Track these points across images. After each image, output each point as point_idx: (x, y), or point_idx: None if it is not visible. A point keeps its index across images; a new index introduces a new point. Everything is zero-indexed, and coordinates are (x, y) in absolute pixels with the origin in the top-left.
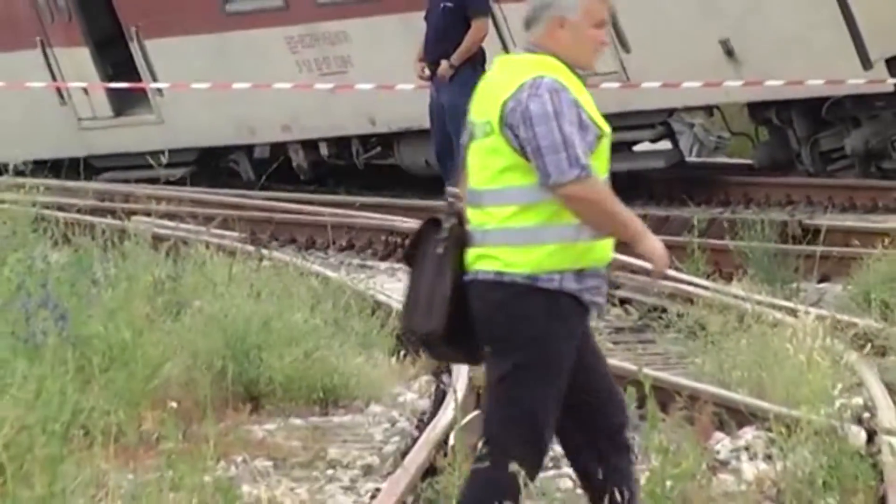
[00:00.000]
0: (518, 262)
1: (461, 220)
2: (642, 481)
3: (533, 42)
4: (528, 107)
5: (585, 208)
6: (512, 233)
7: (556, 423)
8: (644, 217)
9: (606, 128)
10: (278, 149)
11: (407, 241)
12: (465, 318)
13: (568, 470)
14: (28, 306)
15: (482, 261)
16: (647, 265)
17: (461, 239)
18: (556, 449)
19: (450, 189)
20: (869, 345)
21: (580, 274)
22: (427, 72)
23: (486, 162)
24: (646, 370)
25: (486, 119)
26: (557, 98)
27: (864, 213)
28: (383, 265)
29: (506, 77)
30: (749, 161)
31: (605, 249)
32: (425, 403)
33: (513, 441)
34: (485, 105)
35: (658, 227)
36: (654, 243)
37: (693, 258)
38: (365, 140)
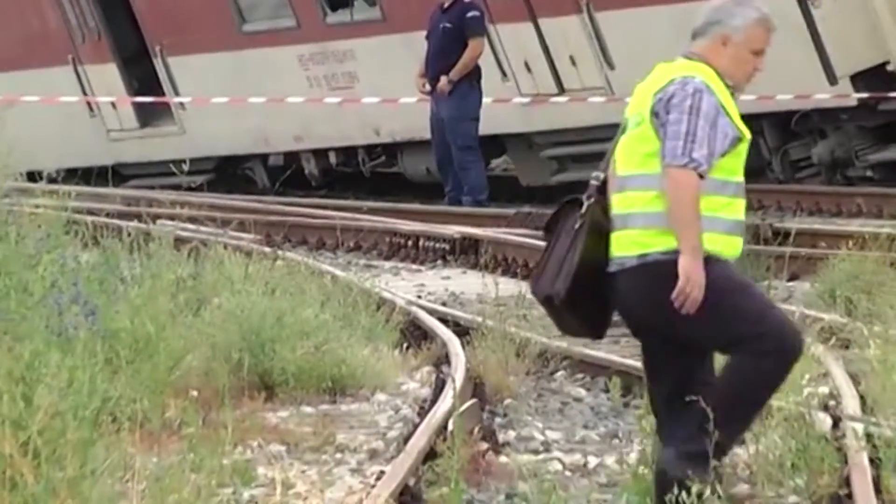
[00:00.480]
0: (658, 242)
1: (599, 202)
2: (631, 462)
3: (695, 51)
4: (673, 95)
5: (672, 195)
6: (652, 216)
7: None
8: None
9: (747, 133)
10: (291, 157)
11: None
12: (590, 293)
13: (558, 454)
14: (60, 302)
15: (624, 245)
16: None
17: (597, 219)
18: (548, 434)
19: (593, 174)
20: (834, 338)
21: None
22: (428, 87)
23: (634, 148)
24: (629, 361)
25: (638, 111)
26: (699, 96)
27: (830, 217)
28: (388, 264)
29: (660, 76)
30: None
31: (736, 246)
32: (426, 392)
33: (751, 331)
34: (638, 101)
35: None
36: (697, 268)
37: None
38: (370, 149)
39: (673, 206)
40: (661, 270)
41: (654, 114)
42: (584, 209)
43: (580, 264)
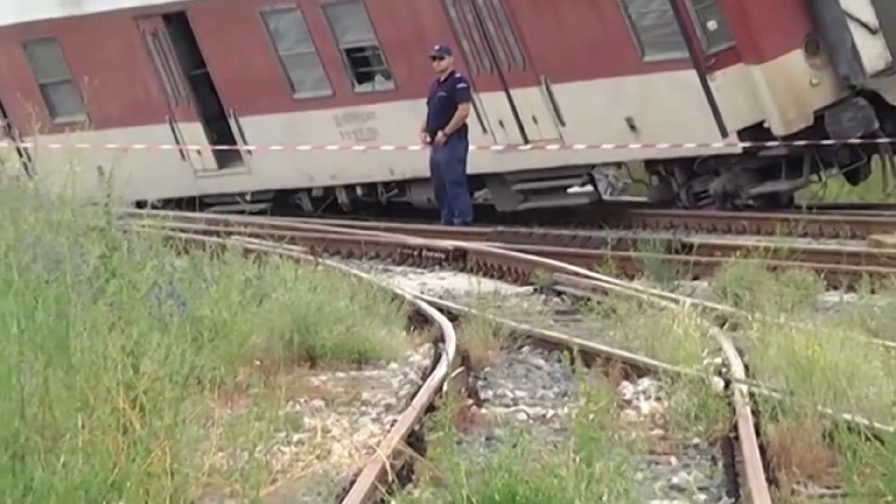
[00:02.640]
0: None
1: None
2: (572, 416)
3: None
4: None
5: None
6: None
7: None
8: (574, 237)
9: None
10: (328, 190)
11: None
12: None
13: (523, 407)
14: (160, 297)
15: None
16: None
17: None
18: (516, 393)
19: None
20: (725, 323)
21: None
22: (428, 139)
23: None
24: (576, 339)
25: None
26: None
27: (722, 234)
28: (398, 269)
29: None
30: (645, 198)
31: None
32: (427, 362)
33: None
34: None
35: (583, 243)
36: None
37: (607, 264)
38: (387, 184)
39: None
40: None
41: None
42: None
43: None
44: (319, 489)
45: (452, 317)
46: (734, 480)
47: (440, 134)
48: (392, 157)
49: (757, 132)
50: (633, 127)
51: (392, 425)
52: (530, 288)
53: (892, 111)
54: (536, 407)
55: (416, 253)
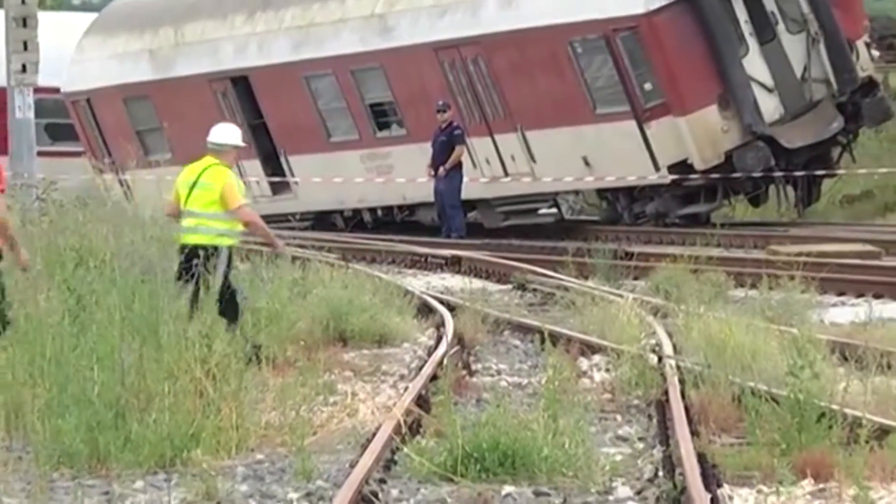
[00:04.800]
0: None
1: None
2: (542, 383)
3: None
4: None
5: None
6: None
7: None
8: (542, 247)
9: None
10: (356, 212)
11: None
12: None
13: (505, 377)
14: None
15: None
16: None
17: None
18: (500, 366)
19: None
20: (658, 312)
21: None
22: (432, 172)
23: None
24: (545, 325)
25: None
26: None
27: (656, 245)
28: (409, 271)
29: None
30: (597, 218)
31: None
32: (431, 342)
33: None
34: None
35: (550, 251)
36: None
37: (568, 268)
38: (401, 207)
39: None
40: None
41: None
42: None
43: None
44: (349, 439)
45: (450, 308)
46: (665, 433)
47: (441, 169)
48: (404, 186)
49: (682, 167)
50: (587, 163)
51: (405, 390)
52: (510, 286)
53: (785, 151)
54: (515, 376)
55: (422, 259)
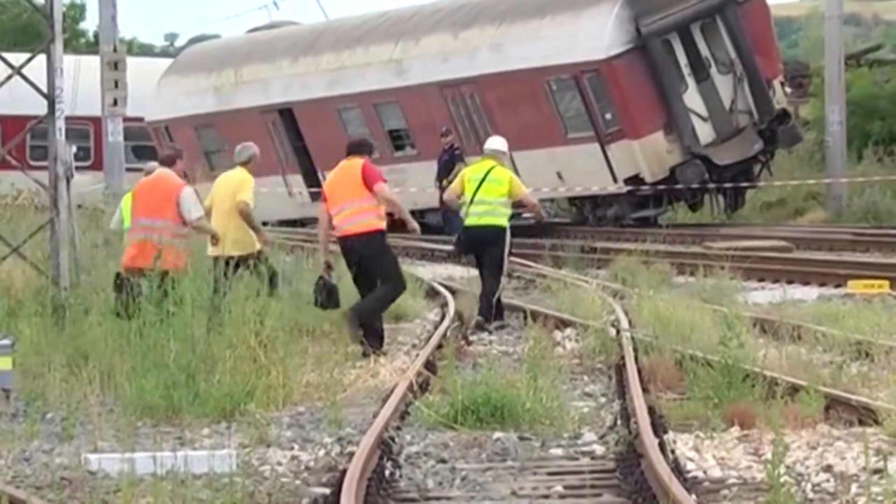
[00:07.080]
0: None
1: None
2: (525, 351)
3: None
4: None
5: None
6: None
7: None
8: (524, 244)
9: None
10: None
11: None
12: None
13: (496, 346)
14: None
15: None
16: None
17: None
18: (491, 338)
19: None
20: (617, 294)
21: None
22: (438, 184)
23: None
24: (527, 305)
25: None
26: None
27: (616, 241)
28: (420, 262)
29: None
30: (568, 220)
31: None
32: (437, 318)
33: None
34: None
35: (531, 247)
36: None
37: (546, 259)
38: (412, 212)
39: None
40: None
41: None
42: None
43: None
44: (372, 395)
45: (452, 291)
46: (622, 390)
47: (445, 182)
48: (416, 195)
49: (635, 180)
50: (561, 177)
51: (416, 357)
52: None
53: (716, 167)
54: (504, 346)
55: (430, 253)
